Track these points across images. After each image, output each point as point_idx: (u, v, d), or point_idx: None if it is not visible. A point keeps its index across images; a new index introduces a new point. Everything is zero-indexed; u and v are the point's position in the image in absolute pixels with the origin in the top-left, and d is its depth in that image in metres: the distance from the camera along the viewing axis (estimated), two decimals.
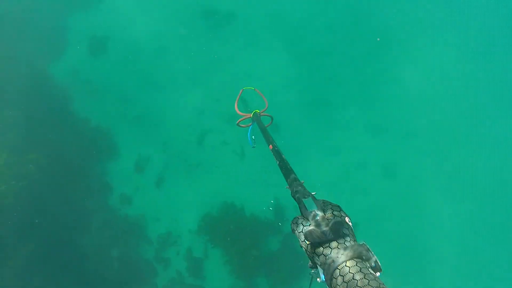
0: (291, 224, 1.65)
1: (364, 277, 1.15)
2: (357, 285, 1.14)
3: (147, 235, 11.62)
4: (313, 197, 1.70)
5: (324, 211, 1.55)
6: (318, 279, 1.60)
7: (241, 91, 4.62)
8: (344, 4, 12.50)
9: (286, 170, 2.17)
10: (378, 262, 1.29)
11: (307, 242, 1.48)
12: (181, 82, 11.70)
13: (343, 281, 1.20)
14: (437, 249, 11.83)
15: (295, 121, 11.45)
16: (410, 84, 12.14)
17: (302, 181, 1.98)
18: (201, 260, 11.49)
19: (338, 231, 1.42)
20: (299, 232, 1.54)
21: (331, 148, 11.94)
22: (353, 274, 1.19)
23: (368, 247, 1.36)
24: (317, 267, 1.55)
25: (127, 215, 11.62)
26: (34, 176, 11.03)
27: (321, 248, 1.42)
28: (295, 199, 1.84)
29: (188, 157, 11.55)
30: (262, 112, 3.89)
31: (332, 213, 1.53)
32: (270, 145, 2.76)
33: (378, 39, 12.31)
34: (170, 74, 11.79)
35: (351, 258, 1.27)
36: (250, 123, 3.97)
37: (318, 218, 1.51)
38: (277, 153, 2.53)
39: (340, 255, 1.31)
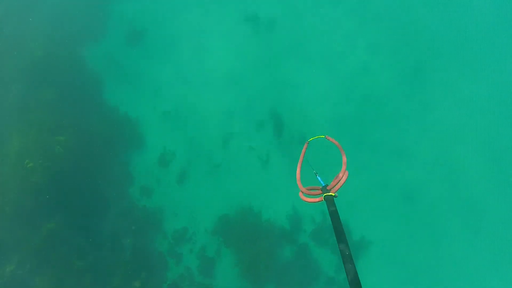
0: None
1: None
2: None
3: (163, 228, 11.73)
4: None
5: None
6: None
7: (305, 144, 3.20)
8: (389, 26, 12.42)
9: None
10: None
11: None
12: (215, 82, 11.76)
13: None
14: (447, 279, 11.79)
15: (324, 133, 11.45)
16: (443, 113, 12.08)
17: None
18: (213, 259, 11.57)
19: None
20: None
21: (356, 167, 11.93)
22: None
23: None
24: None
25: (146, 207, 11.73)
26: (60, 157, 11.20)
27: None
28: None
29: (212, 157, 11.62)
30: (334, 190, 2.64)
31: None
32: (342, 247, 2.25)
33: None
34: (204, 72, 11.84)
35: None
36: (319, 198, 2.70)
37: None
38: (348, 258, 2.19)
39: None
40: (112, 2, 12.57)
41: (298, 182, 2.86)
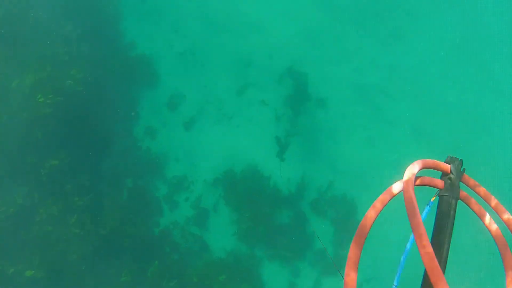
0: None
1: None
2: None
3: (163, 173, 11.43)
4: None
5: None
6: None
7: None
8: None
9: None
10: None
11: None
12: (238, 26, 11.13)
13: None
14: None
15: (343, 101, 10.92)
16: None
17: None
18: (208, 212, 11.28)
19: None
20: None
21: (369, 139, 11.41)
22: None
23: None
24: None
25: (149, 148, 11.41)
26: (71, 91, 10.85)
27: None
28: None
29: (224, 106, 11.16)
30: None
31: None
32: None
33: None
34: (228, 14, 11.20)
35: None
36: None
37: None
38: None
39: None
40: None
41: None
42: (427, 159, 1.53)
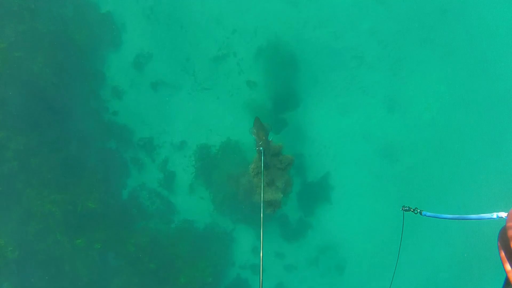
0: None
1: None
2: None
3: (130, 135, 11.28)
4: None
5: None
6: None
7: None
8: None
9: None
10: None
11: None
12: None
13: None
14: None
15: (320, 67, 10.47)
16: None
17: None
18: (175, 174, 11.24)
19: None
20: None
21: (343, 107, 11.08)
22: None
23: None
24: None
25: (115, 110, 11.18)
26: (36, 45, 10.43)
27: None
28: None
29: (198, 73, 10.73)
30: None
31: None
32: None
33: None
34: None
35: None
36: None
37: None
38: None
39: None
40: None
41: None
42: None
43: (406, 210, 3.03)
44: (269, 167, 7.98)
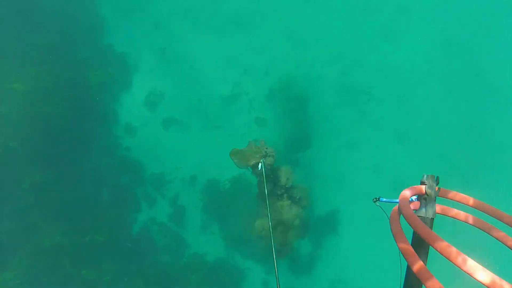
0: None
1: None
2: None
3: (143, 171, 11.45)
4: None
5: None
6: None
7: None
8: None
9: None
10: None
11: None
12: (220, 26, 10.69)
13: None
14: None
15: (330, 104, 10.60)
16: None
17: None
18: (185, 209, 11.31)
19: None
20: None
21: (353, 142, 11.13)
22: None
23: None
24: None
25: (128, 146, 11.38)
26: (53, 86, 10.79)
27: None
28: None
29: (210, 112, 10.93)
30: None
31: None
32: None
33: None
34: (209, 12, 10.76)
35: None
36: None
37: None
38: None
39: None
40: None
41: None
42: (408, 188, 1.65)
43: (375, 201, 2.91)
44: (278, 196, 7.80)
